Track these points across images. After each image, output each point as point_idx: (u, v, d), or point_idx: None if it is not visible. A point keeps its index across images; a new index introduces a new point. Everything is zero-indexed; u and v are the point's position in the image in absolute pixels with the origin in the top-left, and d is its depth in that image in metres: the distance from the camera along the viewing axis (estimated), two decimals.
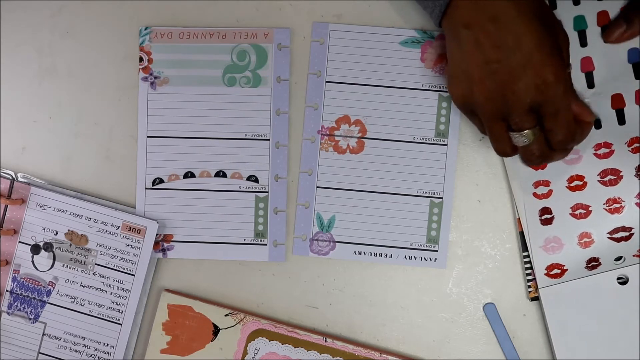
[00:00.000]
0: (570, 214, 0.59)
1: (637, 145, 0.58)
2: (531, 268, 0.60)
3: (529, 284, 0.60)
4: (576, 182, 0.58)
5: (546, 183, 0.59)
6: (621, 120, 0.58)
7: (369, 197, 0.61)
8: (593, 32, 0.58)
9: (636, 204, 0.58)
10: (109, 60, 0.61)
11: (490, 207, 0.61)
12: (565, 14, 0.58)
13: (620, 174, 0.58)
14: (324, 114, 0.61)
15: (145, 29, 0.61)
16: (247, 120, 0.61)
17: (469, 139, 0.61)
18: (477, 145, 0.61)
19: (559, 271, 0.59)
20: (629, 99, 0.58)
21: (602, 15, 0.57)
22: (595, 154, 0.58)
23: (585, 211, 0.59)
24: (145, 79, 0.61)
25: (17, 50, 0.61)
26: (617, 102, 0.58)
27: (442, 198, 0.60)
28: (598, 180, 0.58)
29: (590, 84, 0.58)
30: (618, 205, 0.58)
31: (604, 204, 0.58)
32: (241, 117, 0.61)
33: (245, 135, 0.61)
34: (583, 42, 0.58)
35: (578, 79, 0.58)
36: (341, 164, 0.61)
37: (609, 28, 0.56)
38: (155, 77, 0.61)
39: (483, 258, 0.61)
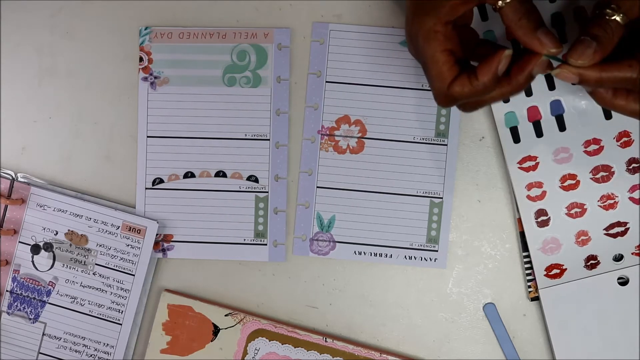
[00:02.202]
0: (566, 214, 0.61)
1: (625, 139, 0.61)
2: (531, 268, 0.62)
3: (529, 284, 0.63)
4: (569, 182, 0.61)
5: (539, 184, 0.62)
6: (607, 114, 0.61)
7: (369, 197, 0.64)
8: (571, 27, 0.60)
9: (629, 198, 0.61)
10: (109, 60, 0.64)
11: (490, 207, 0.63)
12: (544, 12, 0.61)
13: (612, 170, 0.61)
14: (324, 114, 0.64)
15: (145, 29, 0.64)
16: (247, 120, 0.64)
17: (469, 139, 0.63)
18: (477, 145, 0.64)
19: (558, 271, 0.62)
20: None
21: (579, 10, 0.60)
22: (585, 152, 0.61)
23: (580, 210, 0.61)
24: (145, 79, 0.64)
25: (17, 50, 0.64)
26: None
27: (442, 198, 0.63)
28: (590, 178, 0.61)
29: None
30: (612, 201, 0.61)
31: (598, 200, 0.61)
32: (241, 117, 0.64)
33: (245, 135, 0.64)
34: (563, 38, 0.61)
35: None
36: (341, 164, 0.64)
37: (575, 49, 0.48)
38: (155, 77, 0.64)
39: (483, 258, 0.64)
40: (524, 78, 0.49)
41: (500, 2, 0.48)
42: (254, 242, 0.64)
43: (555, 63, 0.49)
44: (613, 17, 0.48)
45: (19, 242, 0.63)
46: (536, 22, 0.48)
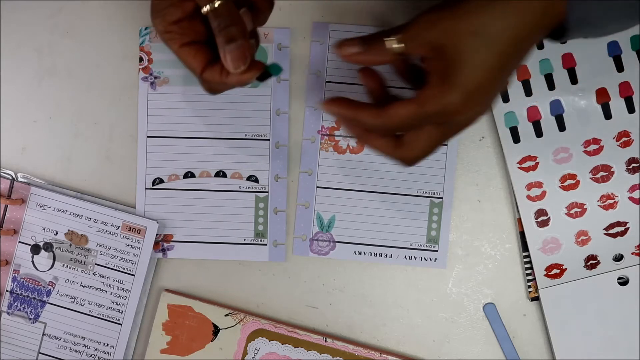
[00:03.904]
0: (565, 213, 0.62)
1: (625, 139, 0.62)
2: (531, 268, 0.63)
3: (529, 284, 0.63)
4: (569, 182, 0.62)
5: (539, 184, 0.62)
6: (607, 114, 0.62)
7: (369, 197, 0.64)
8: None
9: (629, 198, 0.62)
10: (109, 60, 0.65)
11: (490, 207, 0.64)
12: None
13: (612, 170, 0.62)
14: (324, 114, 0.64)
15: (145, 29, 0.64)
16: (247, 120, 0.64)
17: (469, 139, 0.64)
18: (477, 145, 0.64)
19: (558, 271, 0.62)
20: (613, 92, 0.61)
21: None
22: (585, 151, 0.62)
23: (580, 210, 0.62)
24: (145, 79, 0.65)
25: (17, 50, 0.65)
26: (602, 97, 0.62)
27: (442, 198, 0.64)
28: (590, 178, 0.62)
29: (574, 80, 0.62)
30: (612, 201, 0.62)
31: (598, 200, 0.62)
32: (241, 117, 0.64)
33: (245, 135, 0.64)
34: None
35: (561, 76, 0.62)
36: (341, 164, 0.64)
37: (344, 41, 0.52)
38: (155, 77, 0.64)
39: (483, 258, 0.64)
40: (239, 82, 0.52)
41: (206, 7, 0.49)
42: (254, 242, 0.64)
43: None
44: (389, 38, 0.49)
45: (19, 242, 0.64)
46: (229, 36, 0.50)
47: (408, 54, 0.50)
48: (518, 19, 0.45)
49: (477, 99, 0.48)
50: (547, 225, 0.62)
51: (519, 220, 0.63)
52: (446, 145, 0.63)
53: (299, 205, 0.64)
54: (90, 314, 0.64)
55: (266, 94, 0.64)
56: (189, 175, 0.65)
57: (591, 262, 0.62)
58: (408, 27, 0.49)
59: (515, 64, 0.48)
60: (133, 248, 0.64)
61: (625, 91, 0.61)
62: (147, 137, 0.64)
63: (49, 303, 0.64)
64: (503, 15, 0.45)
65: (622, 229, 0.62)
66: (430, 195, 0.64)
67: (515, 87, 0.62)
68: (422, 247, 0.64)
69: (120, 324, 0.64)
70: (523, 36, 0.46)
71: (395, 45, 0.49)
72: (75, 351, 0.64)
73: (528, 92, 0.62)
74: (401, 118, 0.49)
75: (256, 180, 0.64)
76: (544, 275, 0.62)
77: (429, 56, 0.48)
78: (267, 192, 0.64)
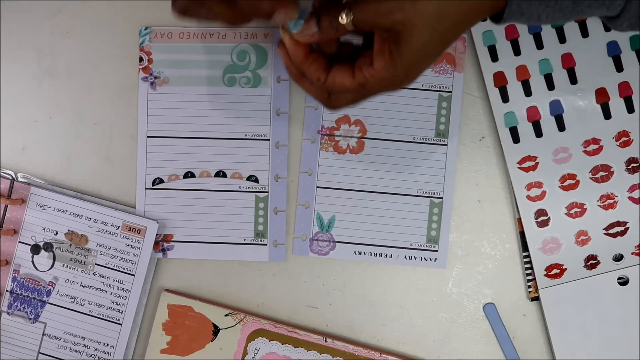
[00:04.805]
0: (565, 213, 0.62)
1: (624, 139, 0.62)
2: (531, 268, 0.63)
3: (529, 284, 0.63)
4: (569, 182, 0.62)
5: (539, 184, 0.62)
6: (607, 114, 0.62)
7: (369, 197, 0.64)
8: (570, 28, 0.62)
9: (629, 198, 0.62)
10: (109, 60, 0.65)
11: (490, 207, 0.64)
12: None
13: (611, 170, 0.62)
14: (324, 114, 0.64)
15: (145, 29, 0.65)
16: (247, 120, 0.65)
17: (469, 139, 0.64)
18: (477, 145, 0.64)
19: (558, 271, 0.63)
20: (612, 92, 0.62)
21: None
22: (584, 151, 0.62)
23: (580, 209, 0.62)
24: (145, 79, 0.65)
25: (17, 50, 0.65)
26: (602, 97, 0.62)
27: (442, 198, 0.64)
28: (590, 178, 0.62)
29: (573, 80, 0.62)
30: (612, 201, 0.62)
31: (598, 200, 0.62)
32: (241, 117, 0.65)
33: (245, 135, 0.65)
34: (562, 39, 0.62)
35: (560, 76, 0.62)
36: (341, 164, 0.65)
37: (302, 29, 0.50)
38: (155, 77, 0.65)
39: (483, 258, 0.64)
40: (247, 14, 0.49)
41: None
42: (254, 242, 0.65)
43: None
44: (342, 20, 0.48)
45: (19, 242, 0.64)
46: None
47: (358, 30, 0.49)
48: (469, 1, 0.46)
49: (415, 74, 0.49)
50: (547, 225, 0.62)
51: (519, 220, 0.63)
52: (446, 145, 0.64)
53: (299, 205, 0.65)
54: (90, 314, 0.64)
55: (266, 94, 0.64)
56: (189, 175, 0.65)
57: (591, 262, 0.62)
58: (362, 3, 0.48)
59: (450, 43, 0.49)
60: (133, 248, 0.64)
61: (625, 91, 0.62)
62: (147, 137, 0.65)
63: (49, 303, 0.64)
64: None
65: (622, 228, 0.62)
66: (430, 195, 0.64)
67: (515, 87, 0.62)
68: (422, 247, 0.64)
69: (120, 324, 0.64)
70: (468, 19, 0.47)
71: (347, 21, 0.48)
72: (75, 351, 0.64)
73: (528, 92, 0.62)
74: (343, 87, 0.50)
75: (256, 180, 0.65)
76: (544, 275, 0.63)
77: (379, 31, 0.48)
78: (267, 192, 0.65)
